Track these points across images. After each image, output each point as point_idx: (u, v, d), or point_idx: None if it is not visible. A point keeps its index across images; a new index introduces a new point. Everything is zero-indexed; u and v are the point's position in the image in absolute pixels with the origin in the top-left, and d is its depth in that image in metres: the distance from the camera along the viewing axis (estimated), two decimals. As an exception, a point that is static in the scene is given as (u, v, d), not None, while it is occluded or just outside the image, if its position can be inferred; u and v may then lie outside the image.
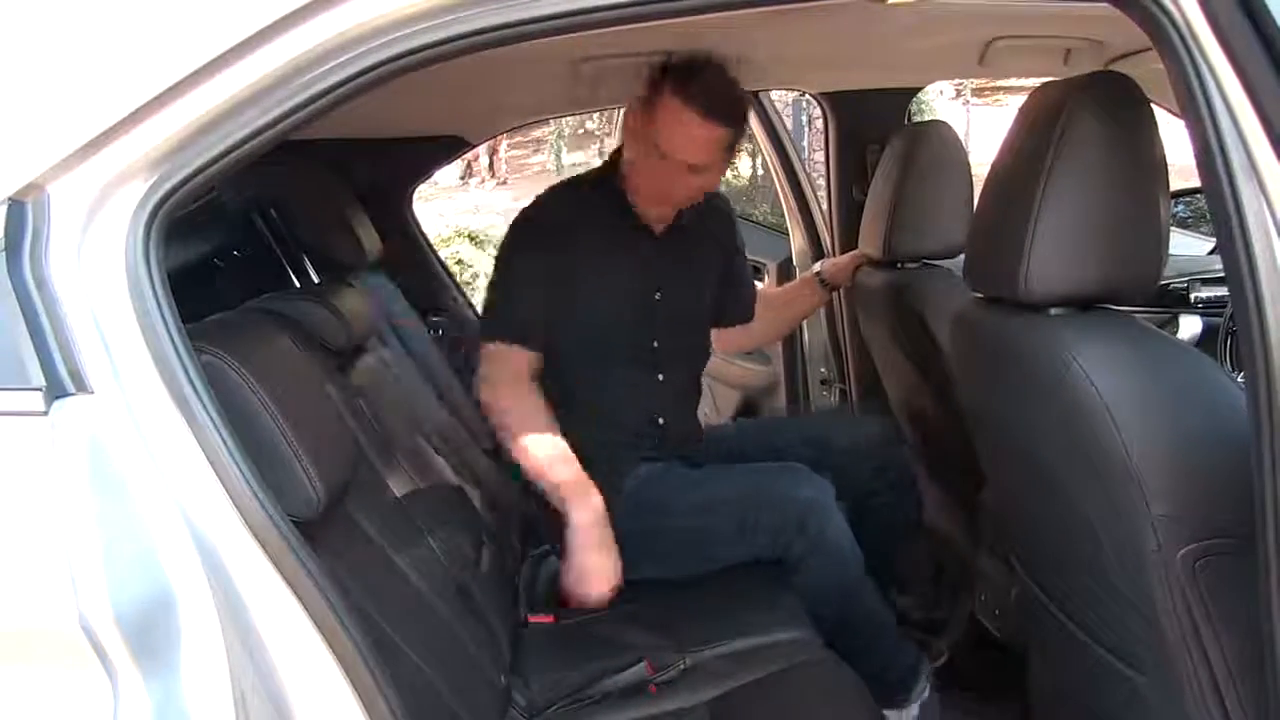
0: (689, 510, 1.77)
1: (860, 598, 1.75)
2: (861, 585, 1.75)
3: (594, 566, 1.66)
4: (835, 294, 2.52)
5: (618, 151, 1.88)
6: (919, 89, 2.78)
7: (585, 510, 1.67)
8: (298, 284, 2.08)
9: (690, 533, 1.76)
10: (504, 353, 1.80)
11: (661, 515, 1.77)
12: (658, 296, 1.86)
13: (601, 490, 1.71)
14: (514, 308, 1.81)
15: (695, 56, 1.72)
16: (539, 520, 1.86)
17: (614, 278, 1.83)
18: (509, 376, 1.79)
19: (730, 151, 1.79)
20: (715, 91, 1.71)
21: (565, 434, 1.75)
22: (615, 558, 1.68)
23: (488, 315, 1.89)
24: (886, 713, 1.75)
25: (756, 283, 2.84)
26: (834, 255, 2.58)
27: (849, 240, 2.45)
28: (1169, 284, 2.31)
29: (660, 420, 1.89)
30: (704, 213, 1.89)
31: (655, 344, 1.87)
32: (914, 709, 1.80)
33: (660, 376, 1.89)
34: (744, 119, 1.79)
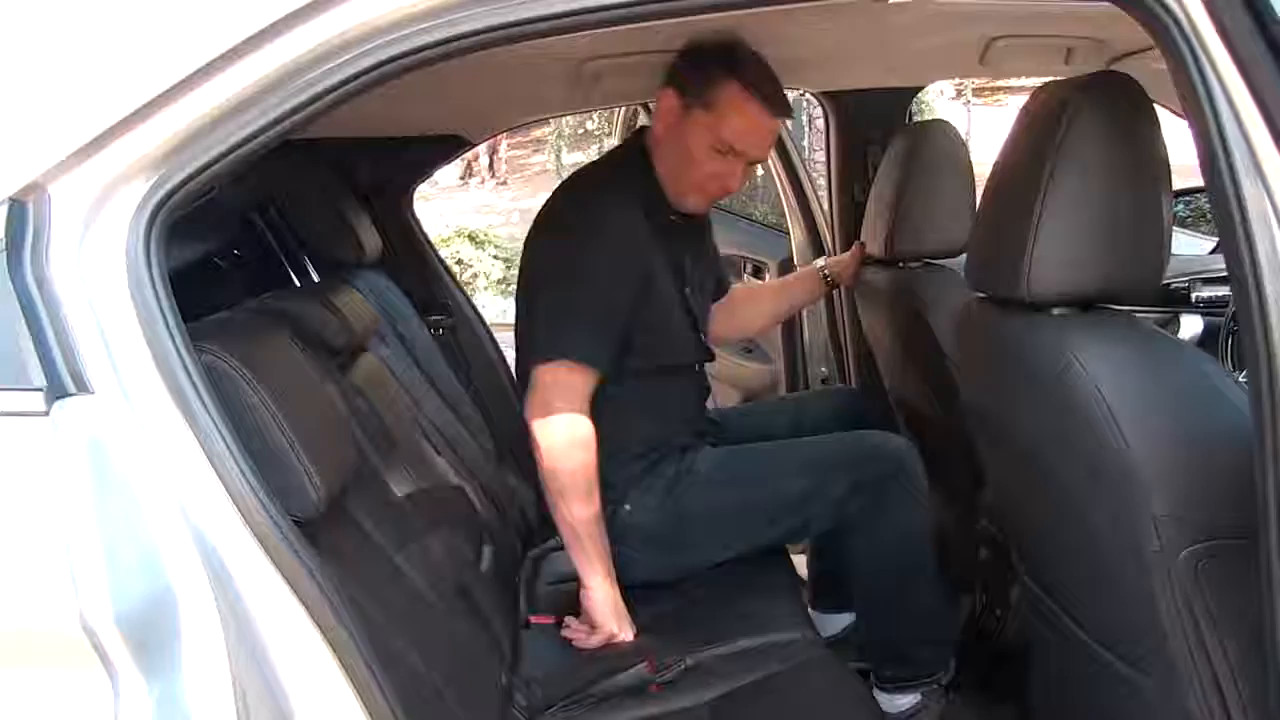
0: (753, 484, 1.77)
1: (922, 560, 1.76)
2: (925, 549, 1.76)
3: (607, 627, 1.63)
4: (836, 293, 2.52)
5: (635, 138, 1.83)
6: (919, 89, 2.77)
7: (600, 591, 1.63)
8: (298, 284, 2.08)
9: (757, 505, 1.76)
10: (571, 375, 1.61)
11: (730, 491, 1.76)
12: (688, 290, 1.83)
13: (616, 496, 1.70)
14: (588, 320, 1.63)
15: (737, 44, 1.67)
16: (539, 520, 1.87)
17: (659, 274, 1.72)
18: (572, 406, 1.60)
19: None
20: (772, 81, 1.69)
21: (608, 439, 1.65)
22: (623, 610, 1.65)
23: (553, 327, 1.64)
24: (879, 696, 1.75)
25: (754, 279, 2.85)
26: (834, 255, 2.57)
27: (849, 240, 2.45)
28: (1170, 284, 2.31)
29: (700, 409, 1.92)
30: None
31: (699, 336, 1.87)
32: (907, 699, 1.80)
33: (696, 368, 1.90)
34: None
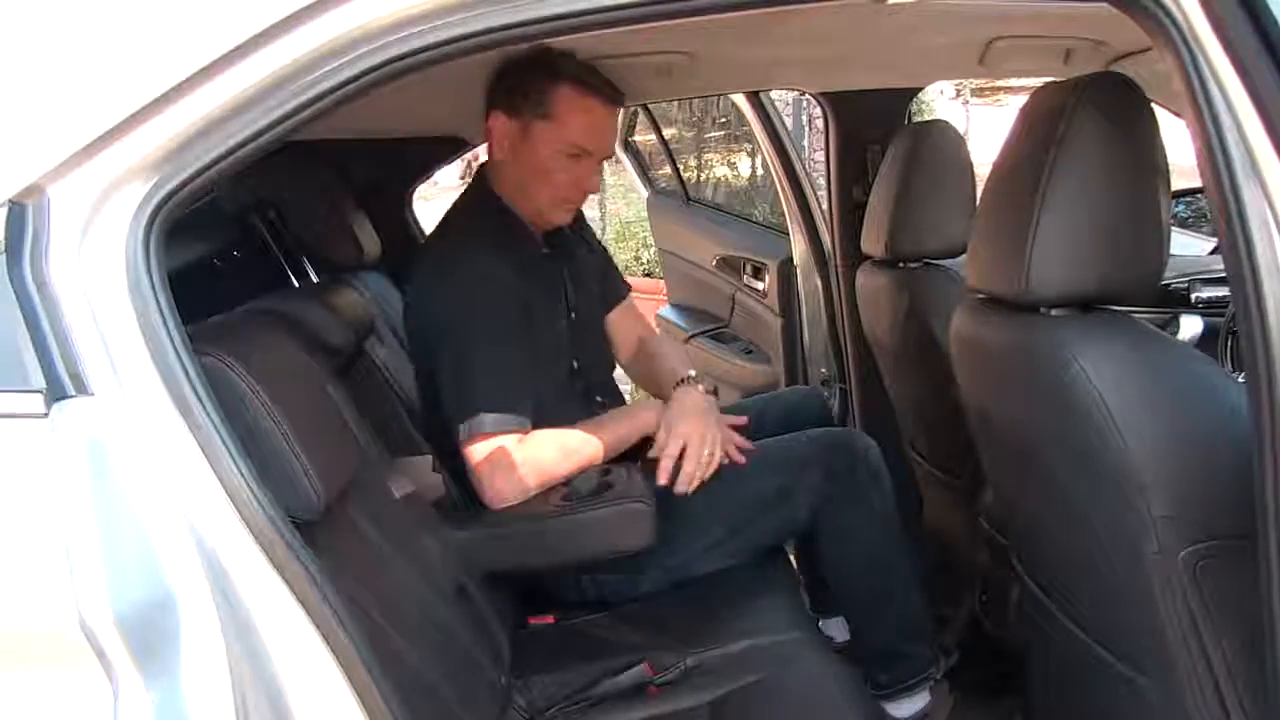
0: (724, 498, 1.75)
1: (895, 554, 1.76)
2: (897, 542, 1.76)
3: (693, 421, 1.65)
4: (836, 293, 2.52)
5: (478, 179, 1.77)
6: (919, 89, 2.78)
7: (651, 423, 1.66)
8: (297, 284, 2.08)
9: (735, 507, 1.74)
10: (505, 441, 1.56)
11: (702, 497, 1.72)
12: (574, 317, 1.78)
13: None
14: (501, 380, 1.58)
15: (550, 49, 1.64)
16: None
17: (540, 312, 1.68)
18: (512, 468, 1.56)
19: None
20: (596, 74, 1.68)
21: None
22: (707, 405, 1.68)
23: (471, 398, 1.57)
24: (884, 705, 1.75)
25: (755, 280, 2.84)
26: (834, 256, 2.58)
27: (849, 241, 2.45)
28: (1170, 284, 2.31)
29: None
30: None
31: (576, 365, 1.78)
32: (913, 705, 1.79)
33: (599, 399, 1.81)
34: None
